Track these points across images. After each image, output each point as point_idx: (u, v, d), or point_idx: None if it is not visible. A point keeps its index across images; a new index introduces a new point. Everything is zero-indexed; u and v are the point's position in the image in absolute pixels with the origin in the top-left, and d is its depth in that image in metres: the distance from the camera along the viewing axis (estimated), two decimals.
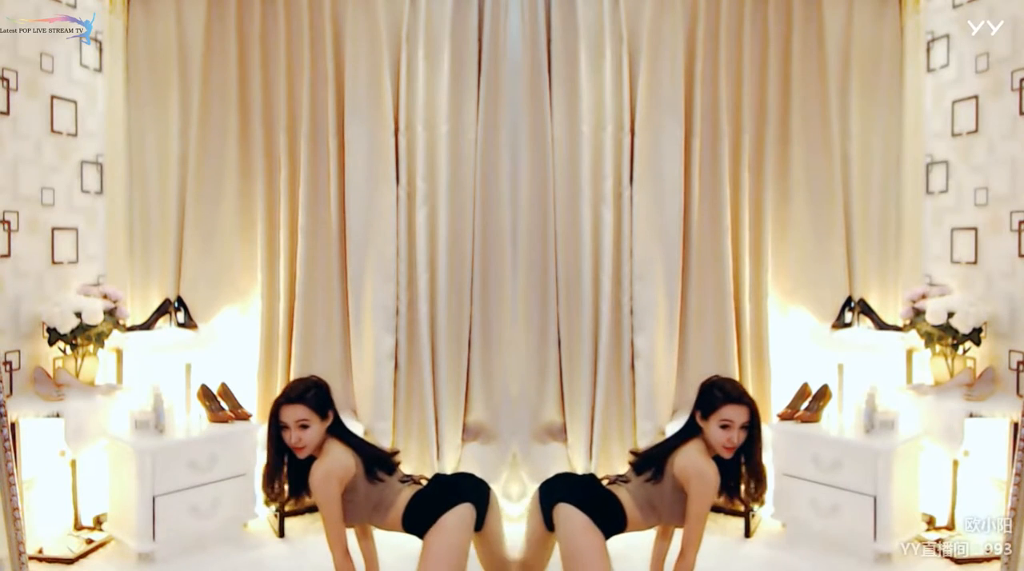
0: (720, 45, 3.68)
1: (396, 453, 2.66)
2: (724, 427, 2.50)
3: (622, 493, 2.58)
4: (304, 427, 2.45)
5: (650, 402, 3.64)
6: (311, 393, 2.50)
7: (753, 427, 2.53)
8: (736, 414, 2.49)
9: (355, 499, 2.49)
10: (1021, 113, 3.13)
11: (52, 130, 3.30)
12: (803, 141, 3.71)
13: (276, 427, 2.50)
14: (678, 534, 2.56)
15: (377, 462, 2.55)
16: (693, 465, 2.48)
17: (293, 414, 2.46)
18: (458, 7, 3.66)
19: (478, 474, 3.60)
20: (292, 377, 3.66)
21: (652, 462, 2.59)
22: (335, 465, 2.45)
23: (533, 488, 3.59)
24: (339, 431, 2.56)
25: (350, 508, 2.49)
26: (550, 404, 3.74)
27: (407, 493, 2.54)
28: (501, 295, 3.63)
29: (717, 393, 2.54)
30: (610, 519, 2.52)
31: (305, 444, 2.46)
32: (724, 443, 2.50)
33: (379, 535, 2.68)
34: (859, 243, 3.71)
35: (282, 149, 3.69)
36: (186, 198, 3.65)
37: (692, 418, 2.60)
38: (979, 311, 3.20)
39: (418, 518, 2.48)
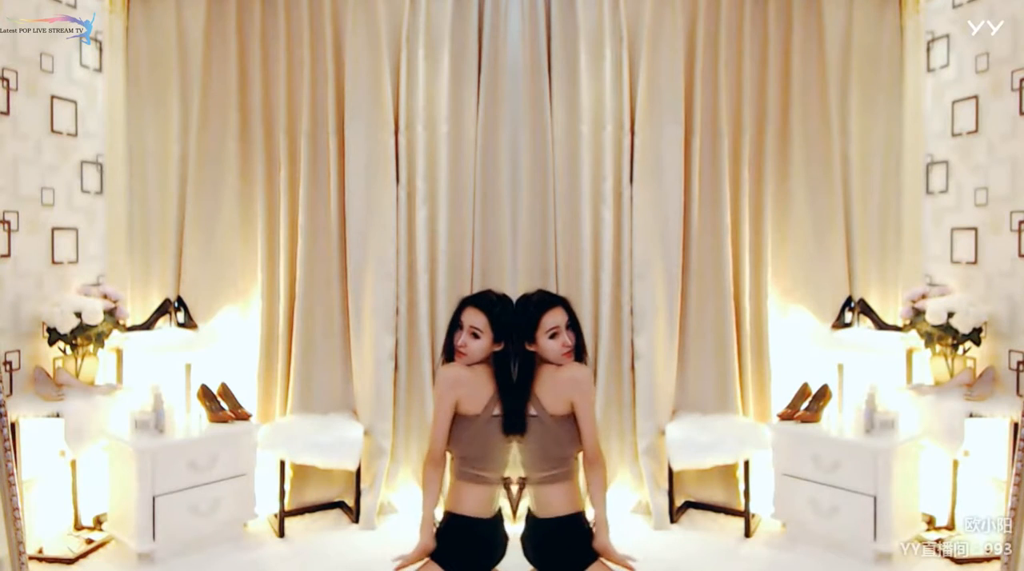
0: (720, 45, 3.68)
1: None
2: (553, 336, 2.39)
3: (548, 490, 2.38)
4: (475, 336, 2.39)
5: (650, 402, 3.63)
6: (497, 308, 2.43)
7: (575, 325, 2.45)
8: (557, 317, 2.41)
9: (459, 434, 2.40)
10: (1021, 113, 3.13)
11: (52, 130, 3.30)
12: (803, 141, 3.71)
13: (453, 325, 2.44)
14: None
15: (505, 420, 2.39)
16: (566, 380, 2.39)
17: (470, 318, 2.40)
18: (458, 7, 3.66)
19: None
20: (292, 377, 3.67)
21: (520, 419, 2.40)
22: (463, 376, 2.38)
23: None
24: (501, 368, 2.43)
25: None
26: None
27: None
28: None
29: (531, 309, 2.43)
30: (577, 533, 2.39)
31: (468, 352, 2.39)
32: (560, 350, 2.40)
33: None
34: (859, 243, 3.71)
35: (282, 149, 3.69)
36: (186, 198, 3.65)
37: (523, 353, 2.44)
38: (979, 311, 3.20)
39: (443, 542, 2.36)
